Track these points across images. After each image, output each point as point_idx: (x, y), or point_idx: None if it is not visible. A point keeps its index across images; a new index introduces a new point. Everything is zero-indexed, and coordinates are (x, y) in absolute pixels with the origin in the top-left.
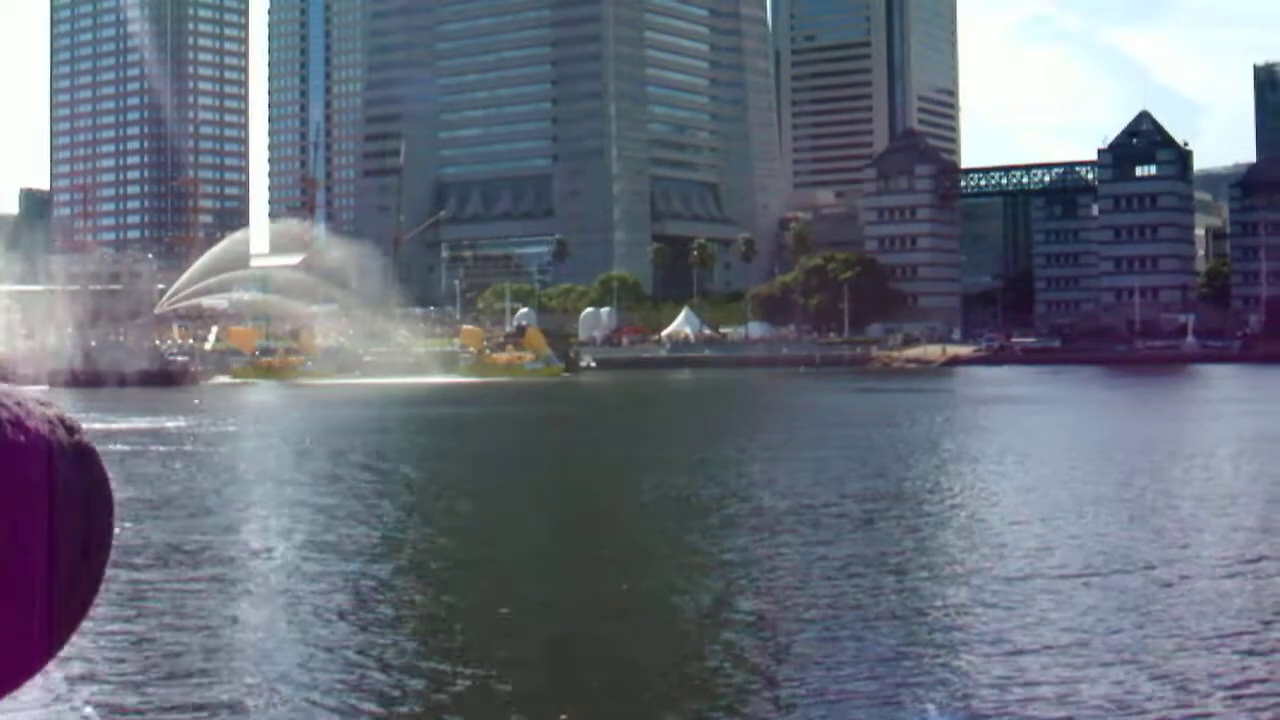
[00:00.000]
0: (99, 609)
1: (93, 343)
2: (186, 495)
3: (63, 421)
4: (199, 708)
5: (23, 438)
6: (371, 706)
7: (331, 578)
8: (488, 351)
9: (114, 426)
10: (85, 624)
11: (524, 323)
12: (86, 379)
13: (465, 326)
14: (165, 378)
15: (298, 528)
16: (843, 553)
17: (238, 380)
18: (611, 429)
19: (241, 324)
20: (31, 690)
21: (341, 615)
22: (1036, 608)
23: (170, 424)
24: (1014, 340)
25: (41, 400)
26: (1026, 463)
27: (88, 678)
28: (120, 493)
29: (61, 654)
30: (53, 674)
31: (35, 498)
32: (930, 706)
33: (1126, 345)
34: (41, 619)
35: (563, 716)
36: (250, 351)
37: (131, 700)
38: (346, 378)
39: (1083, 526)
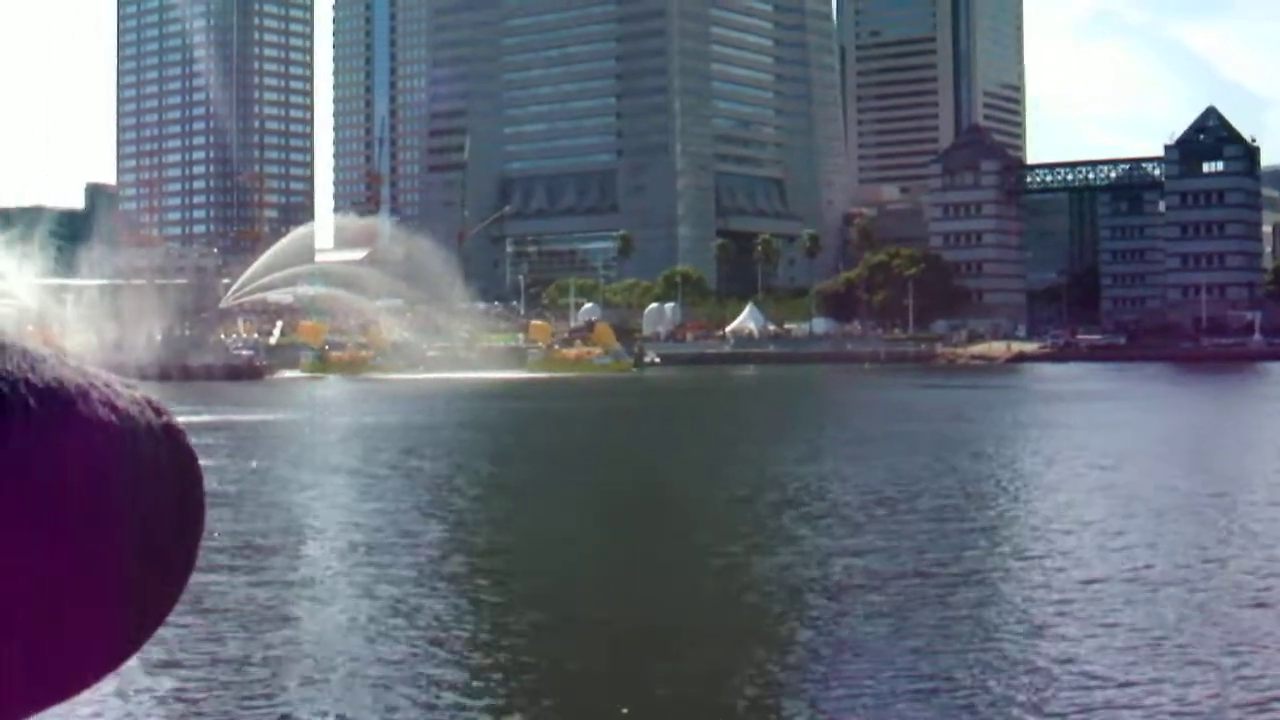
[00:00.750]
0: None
1: (158, 337)
2: (244, 488)
3: (149, 403)
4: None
5: (114, 417)
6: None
7: (388, 582)
8: (556, 347)
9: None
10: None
11: (593, 318)
12: (151, 373)
13: (534, 322)
14: (231, 372)
15: (383, 526)
16: (919, 554)
17: (308, 375)
18: (682, 425)
19: (307, 319)
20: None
21: (392, 625)
22: (1110, 611)
23: (261, 417)
24: (1079, 337)
25: (127, 382)
26: (1104, 460)
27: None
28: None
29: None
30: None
31: (128, 477)
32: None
33: (1192, 342)
34: (137, 598)
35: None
36: (319, 346)
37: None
38: (414, 373)
39: (1165, 527)
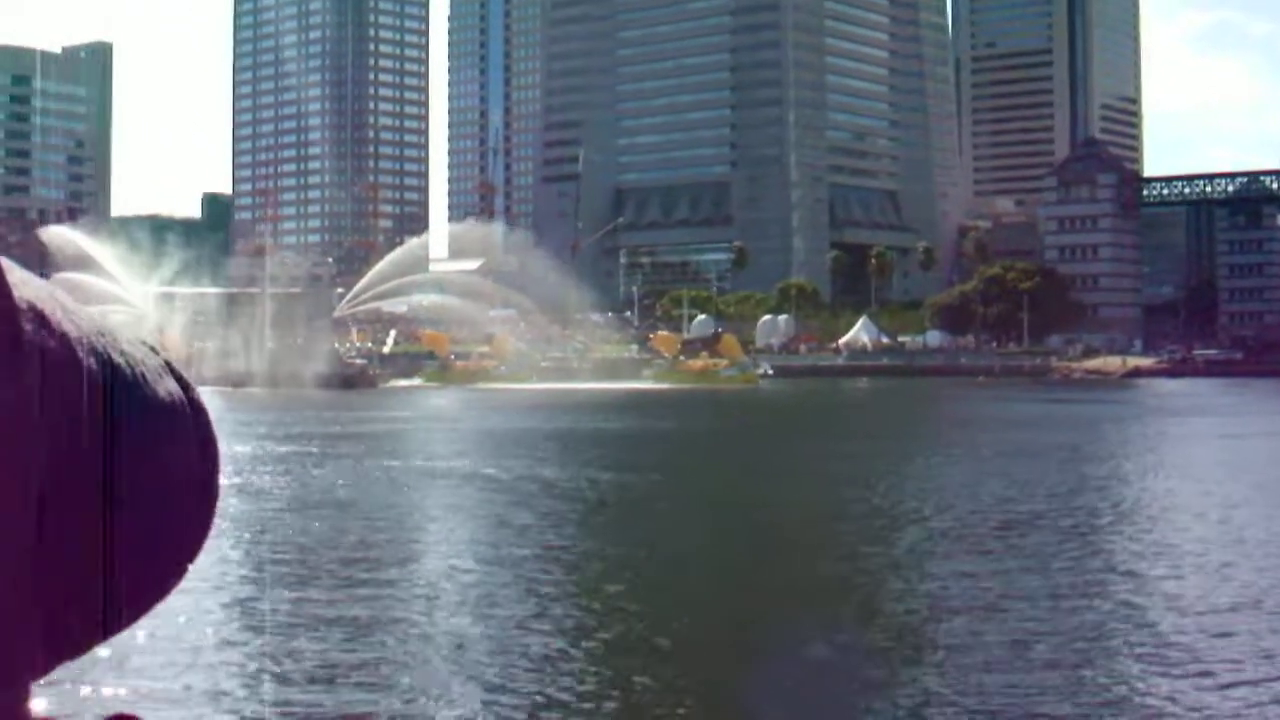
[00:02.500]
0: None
1: (271, 345)
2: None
3: (170, 368)
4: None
5: (122, 360)
6: None
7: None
8: (681, 358)
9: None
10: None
11: (716, 329)
12: (265, 381)
13: (660, 333)
14: (344, 381)
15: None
16: (1053, 575)
17: (433, 384)
18: (806, 438)
19: (420, 329)
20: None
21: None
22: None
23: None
24: (1196, 352)
25: (152, 346)
26: (1238, 476)
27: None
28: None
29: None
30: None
31: (154, 440)
32: None
33: None
34: (159, 555)
35: None
36: (444, 355)
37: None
38: (528, 383)
39: None
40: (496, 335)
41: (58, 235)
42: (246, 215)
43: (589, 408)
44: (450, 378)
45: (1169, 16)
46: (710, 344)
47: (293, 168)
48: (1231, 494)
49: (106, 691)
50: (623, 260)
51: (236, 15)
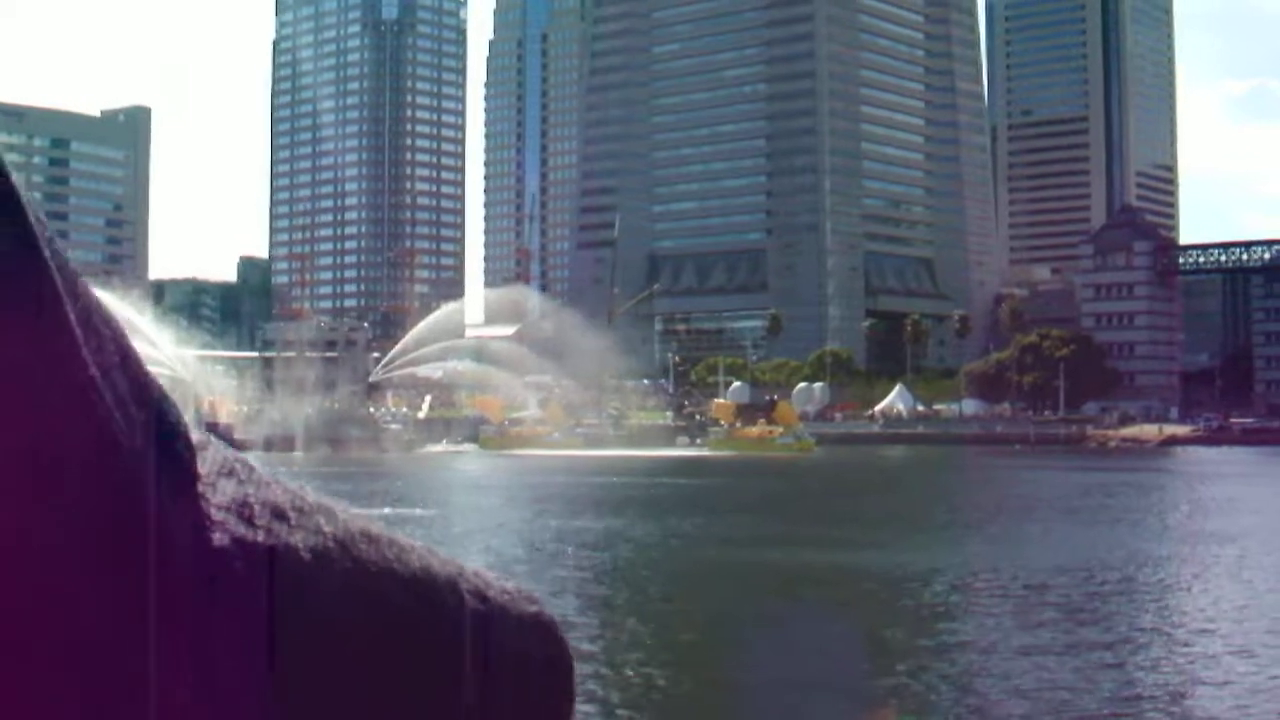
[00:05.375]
0: None
1: (309, 410)
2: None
3: (523, 594)
4: None
5: (482, 607)
6: None
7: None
8: (738, 425)
9: None
10: None
11: (773, 396)
12: (302, 445)
13: (718, 400)
14: (379, 445)
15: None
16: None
17: (489, 450)
18: (881, 507)
19: (461, 393)
20: None
21: None
22: None
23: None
24: (1233, 420)
25: (501, 576)
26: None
27: None
28: None
29: None
30: None
31: (497, 669)
32: None
33: None
34: None
35: None
36: (498, 421)
37: None
38: (590, 449)
39: None
40: (550, 401)
41: None
42: (283, 279)
43: (681, 472)
44: (506, 443)
45: (1206, 83)
46: (766, 411)
47: (329, 232)
48: None
49: None
50: (658, 327)
51: (275, 80)
